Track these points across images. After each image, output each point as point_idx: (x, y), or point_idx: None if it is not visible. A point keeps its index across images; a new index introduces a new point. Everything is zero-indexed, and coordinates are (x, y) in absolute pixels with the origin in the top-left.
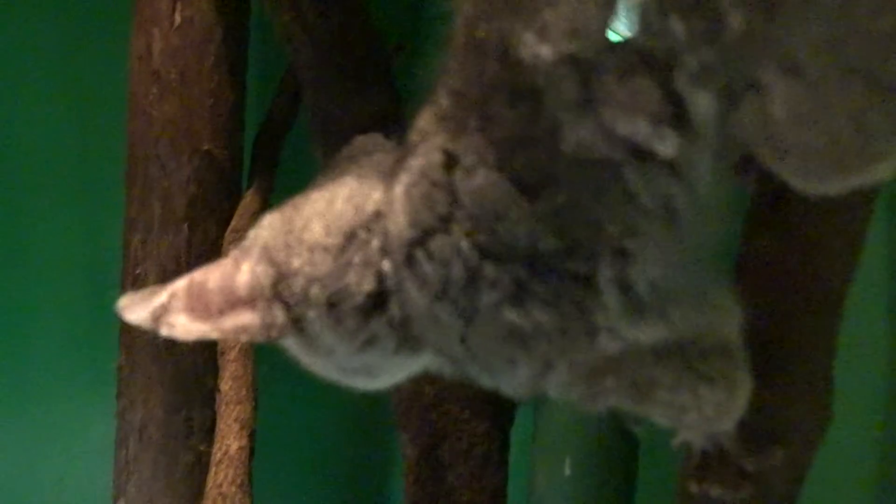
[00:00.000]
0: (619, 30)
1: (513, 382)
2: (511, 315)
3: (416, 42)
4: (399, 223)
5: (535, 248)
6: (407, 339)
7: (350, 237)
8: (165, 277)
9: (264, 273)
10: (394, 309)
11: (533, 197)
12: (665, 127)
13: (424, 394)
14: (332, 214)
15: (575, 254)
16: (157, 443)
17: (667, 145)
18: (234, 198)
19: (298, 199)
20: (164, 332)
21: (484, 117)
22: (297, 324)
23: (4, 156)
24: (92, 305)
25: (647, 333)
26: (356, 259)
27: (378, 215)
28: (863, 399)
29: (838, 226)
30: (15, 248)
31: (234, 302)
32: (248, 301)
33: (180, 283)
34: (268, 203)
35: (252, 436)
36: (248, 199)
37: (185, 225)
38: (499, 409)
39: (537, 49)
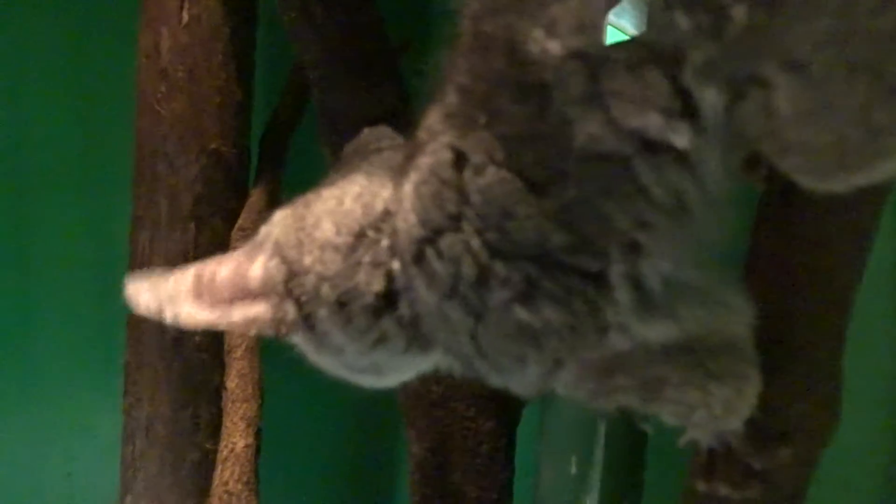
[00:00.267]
0: (626, 25)
1: (522, 380)
2: (521, 312)
3: (424, 39)
4: (409, 221)
5: (545, 244)
6: (416, 338)
7: (359, 236)
8: None
9: (277, 268)
10: (403, 308)
11: (542, 193)
12: (677, 119)
13: (431, 391)
14: (342, 213)
15: (585, 250)
16: (163, 440)
17: (682, 137)
18: (242, 196)
19: (310, 196)
20: (171, 318)
21: (492, 114)
22: (307, 321)
23: (12, 154)
24: (99, 302)
25: (657, 330)
26: (366, 259)
27: (387, 214)
28: (870, 397)
29: (846, 224)
30: (22, 246)
31: (244, 294)
32: (260, 294)
33: (189, 272)
34: (275, 201)
35: (258, 433)
36: (255, 198)
37: (192, 223)
38: (505, 407)
39: (546, 44)
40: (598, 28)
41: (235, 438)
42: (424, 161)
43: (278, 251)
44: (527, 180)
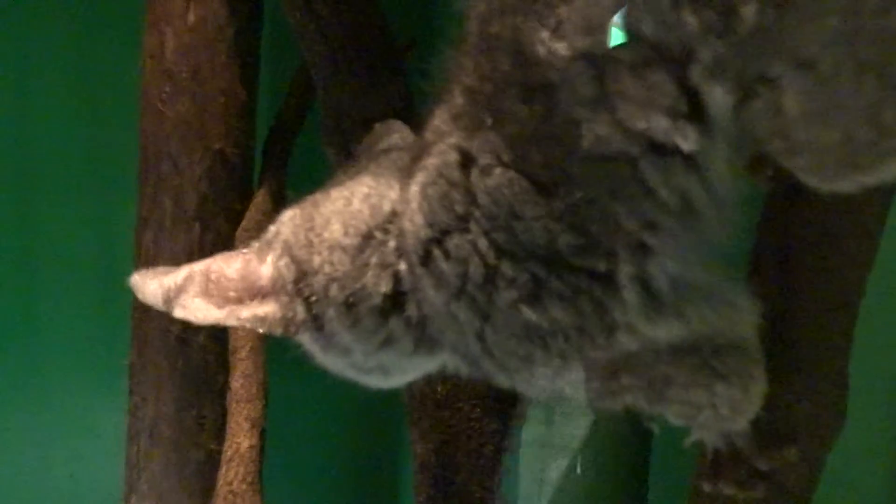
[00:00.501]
0: (633, 24)
1: (529, 381)
2: (528, 313)
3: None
4: (416, 222)
5: (552, 245)
6: (424, 339)
7: (367, 237)
8: None
9: (287, 268)
10: (411, 309)
11: (550, 194)
12: (684, 121)
13: (436, 392)
14: (350, 213)
15: (593, 251)
16: (168, 440)
17: (687, 140)
18: (246, 196)
19: (318, 196)
20: (178, 313)
21: (498, 115)
22: (315, 321)
23: (18, 154)
24: (104, 303)
25: (664, 331)
26: (373, 260)
27: (394, 215)
28: (876, 398)
29: (852, 224)
30: (27, 246)
31: (254, 292)
32: (270, 293)
33: (197, 267)
34: (279, 202)
35: (262, 434)
36: (260, 198)
37: (197, 223)
38: (510, 408)
39: (552, 45)
40: (604, 29)
41: (240, 439)
42: (431, 162)
43: (288, 251)
44: (534, 181)
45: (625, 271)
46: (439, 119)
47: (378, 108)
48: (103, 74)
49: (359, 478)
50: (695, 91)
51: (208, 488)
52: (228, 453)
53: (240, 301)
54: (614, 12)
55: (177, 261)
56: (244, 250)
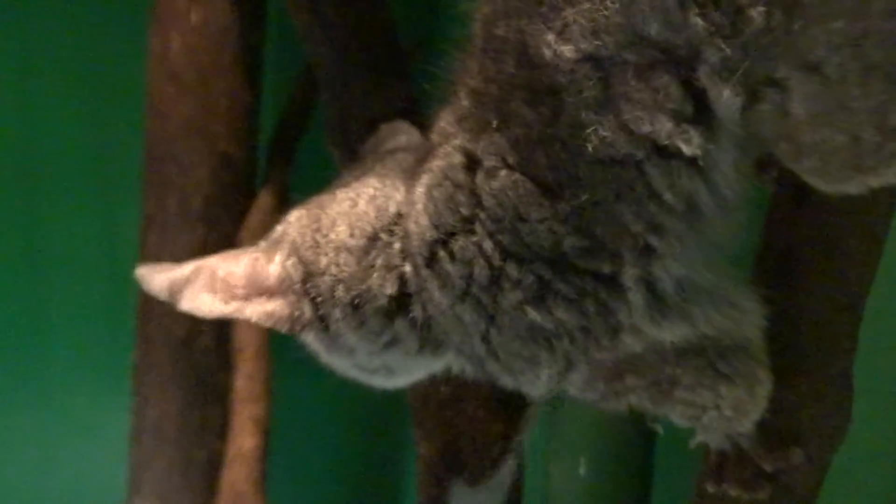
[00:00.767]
0: (639, 26)
1: (534, 382)
2: (534, 314)
3: (434, 41)
4: (421, 224)
5: (558, 247)
6: (429, 340)
7: (372, 239)
8: None
9: (294, 268)
10: (416, 311)
11: (555, 196)
12: (688, 125)
13: (440, 392)
14: (356, 215)
15: (598, 253)
16: (172, 440)
17: (691, 143)
18: (250, 197)
19: (324, 196)
20: (184, 305)
21: (504, 117)
22: (322, 321)
23: (23, 155)
24: (108, 303)
25: (670, 332)
26: (379, 262)
27: (400, 217)
28: (882, 399)
29: (859, 226)
30: (33, 246)
31: (261, 291)
32: (277, 292)
33: (205, 262)
34: (283, 203)
35: (266, 434)
36: (264, 199)
37: (202, 224)
38: (514, 409)
39: (558, 48)
40: (610, 31)
41: (243, 439)
42: (436, 164)
43: (295, 251)
44: (540, 183)
45: (630, 273)
46: (445, 121)
47: (383, 109)
48: (108, 76)
49: (362, 478)
50: (701, 94)
51: (212, 488)
52: (232, 453)
53: (247, 298)
54: (620, 14)
55: (181, 262)
56: (250, 249)
